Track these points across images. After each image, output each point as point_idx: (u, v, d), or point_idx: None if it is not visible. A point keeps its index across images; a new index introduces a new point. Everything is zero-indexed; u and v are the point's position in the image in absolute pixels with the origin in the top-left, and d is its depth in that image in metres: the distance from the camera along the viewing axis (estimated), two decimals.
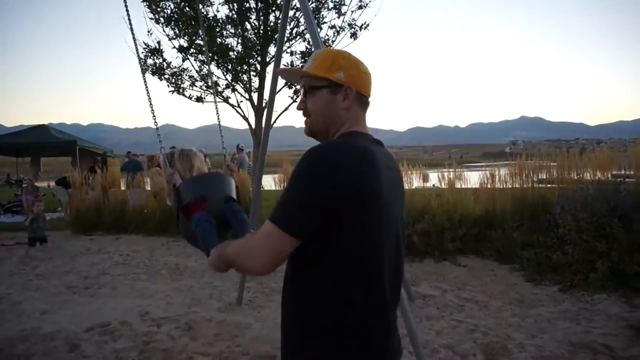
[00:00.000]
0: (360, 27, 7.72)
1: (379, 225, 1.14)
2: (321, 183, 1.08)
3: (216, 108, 3.45)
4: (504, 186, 7.08)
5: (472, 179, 7.91)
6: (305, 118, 1.33)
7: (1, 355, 3.26)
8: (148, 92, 2.85)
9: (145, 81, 2.88)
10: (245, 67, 7.83)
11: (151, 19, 7.62)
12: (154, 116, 2.87)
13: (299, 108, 1.34)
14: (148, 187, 9.60)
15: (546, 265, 5.18)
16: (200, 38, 7.67)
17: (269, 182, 9.75)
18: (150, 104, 2.86)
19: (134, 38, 2.91)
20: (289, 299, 1.22)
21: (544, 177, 6.95)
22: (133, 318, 4.04)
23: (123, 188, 11.40)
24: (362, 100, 1.30)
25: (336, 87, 1.26)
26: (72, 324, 3.88)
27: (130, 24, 2.79)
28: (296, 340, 1.19)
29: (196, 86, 8.02)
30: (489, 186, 7.12)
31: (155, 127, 2.90)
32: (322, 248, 1.12)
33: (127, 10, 2.90)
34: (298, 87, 7.91)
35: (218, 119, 3.54)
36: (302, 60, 7.74)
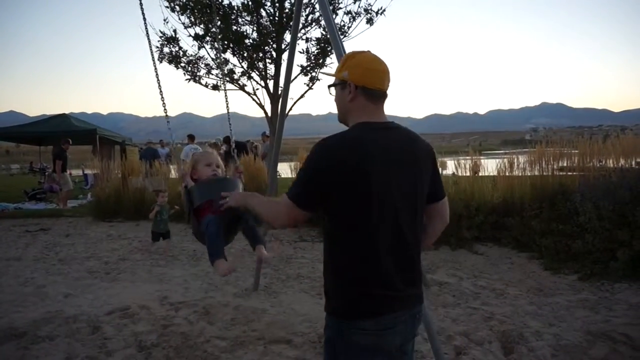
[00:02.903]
0: (377, 13, 7.61)
1: (369, 199, 1.42)
2: (317, 166, 1.44)
3: (226, 97, 3.44)
4: (523, 174, 6.95)
5: (491, 166, 7.79)
6: None
7: (26, 336, 3.37)
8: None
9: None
10: (261, 55, 7.80)
11: (167, 7, 7.62)
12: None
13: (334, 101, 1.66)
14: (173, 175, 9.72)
15: (565, 254, 5.09)
16: (215, 26, 7.68)
17: (285, 170, 9.79)
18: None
19: (146, 28, 2.90)
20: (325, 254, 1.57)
21: (565, 164, 6.78)
22: (152, 302, 4.13)
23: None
24: (370, 93, 1.54)
25: (344, 84, 1.56)
26: (94, 307, 3.99)
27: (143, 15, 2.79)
28: (331, 287, 1.54)
29: (212, 74, 8.05)
30: (507, 174, 7.00)
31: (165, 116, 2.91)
32: (328, 218, 1.50)
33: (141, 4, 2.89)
34: (314, 74, 7.91)
35: (227, 112, 3.53)
36: (318, 46, 7.68)
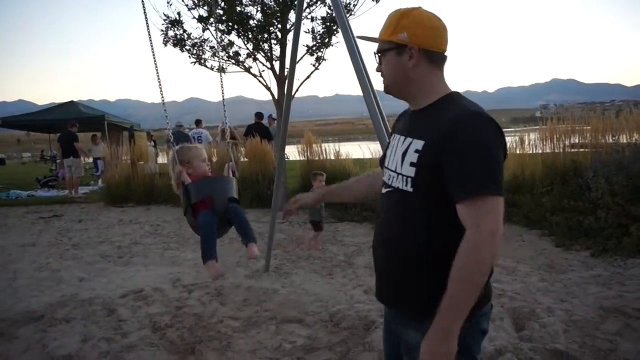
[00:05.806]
0: None
1: None
2: (503, 145, 1.28)
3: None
4: (534, 151, 6.86)
5: None
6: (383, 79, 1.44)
7: (43, 319, 3.44)
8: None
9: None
10: (266, 36, 7.70)
11: None
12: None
13: (377, 70, 1.42)
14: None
15: (577, 230, 5.05)
16: (219, 7, 7.57)
17: (293, 152, 9.77)
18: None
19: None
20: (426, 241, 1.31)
21: (577, 141, 6.69)
22: (165, 284, 4.19)
23: (161, 160, 11.52)
24: (433, 57, 1.34)
25: (401, 48, 1.32)
26: (108, 291, 4.06)
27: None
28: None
29: (217, 56, 7.97)
30: (517, 151, 6.92)
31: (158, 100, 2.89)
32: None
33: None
34: (320, 54, 7.80)
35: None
36: (323, 25, 7.57)
